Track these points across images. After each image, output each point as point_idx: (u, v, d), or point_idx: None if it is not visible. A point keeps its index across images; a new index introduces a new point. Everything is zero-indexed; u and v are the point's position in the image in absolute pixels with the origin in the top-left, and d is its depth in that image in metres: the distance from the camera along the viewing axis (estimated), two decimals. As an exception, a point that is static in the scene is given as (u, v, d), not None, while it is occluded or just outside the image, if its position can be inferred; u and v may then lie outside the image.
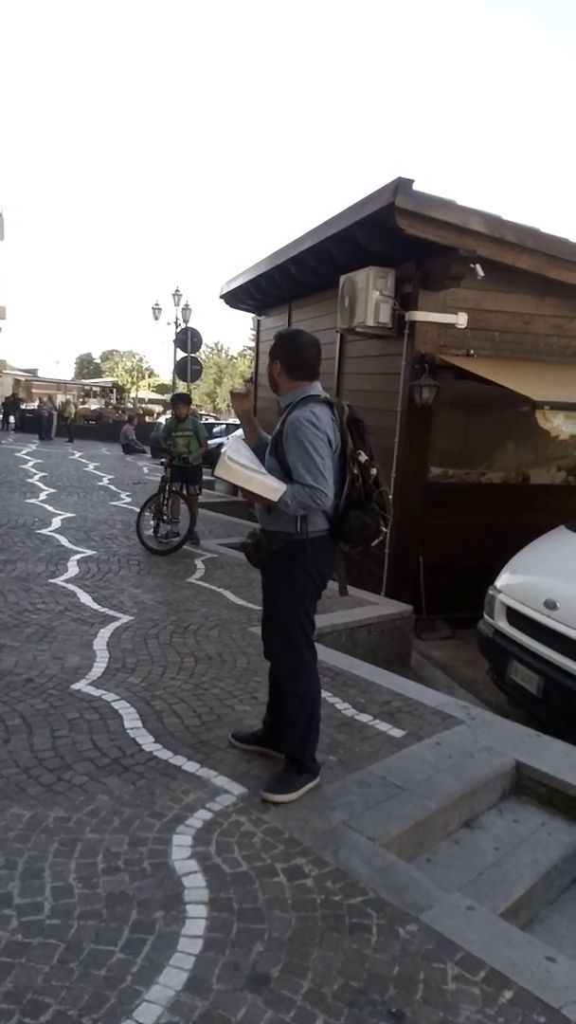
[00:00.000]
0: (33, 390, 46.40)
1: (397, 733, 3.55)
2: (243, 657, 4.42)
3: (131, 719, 3.47)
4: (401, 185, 6.10)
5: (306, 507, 2.74)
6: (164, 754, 3.17)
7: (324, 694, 3.90)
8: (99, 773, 2.97)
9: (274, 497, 2.72)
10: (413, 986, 2.00)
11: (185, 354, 18.89)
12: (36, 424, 25.03)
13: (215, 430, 21.74)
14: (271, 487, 2.73)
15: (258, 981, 1.97)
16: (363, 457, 2.83)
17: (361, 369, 8.56)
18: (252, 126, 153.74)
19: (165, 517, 7.56)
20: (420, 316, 6.95)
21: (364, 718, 3.70)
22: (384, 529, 2.89)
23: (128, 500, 10.54)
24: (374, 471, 2.86)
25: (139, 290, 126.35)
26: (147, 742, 3.26)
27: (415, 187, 6.15)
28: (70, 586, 5.73)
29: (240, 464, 2.76)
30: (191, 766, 3.08)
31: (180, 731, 3.40)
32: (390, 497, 2.98)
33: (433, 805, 2.94)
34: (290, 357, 2.93)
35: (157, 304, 26.73)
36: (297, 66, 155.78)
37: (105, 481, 12.84)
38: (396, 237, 6.51)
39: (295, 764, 2.95)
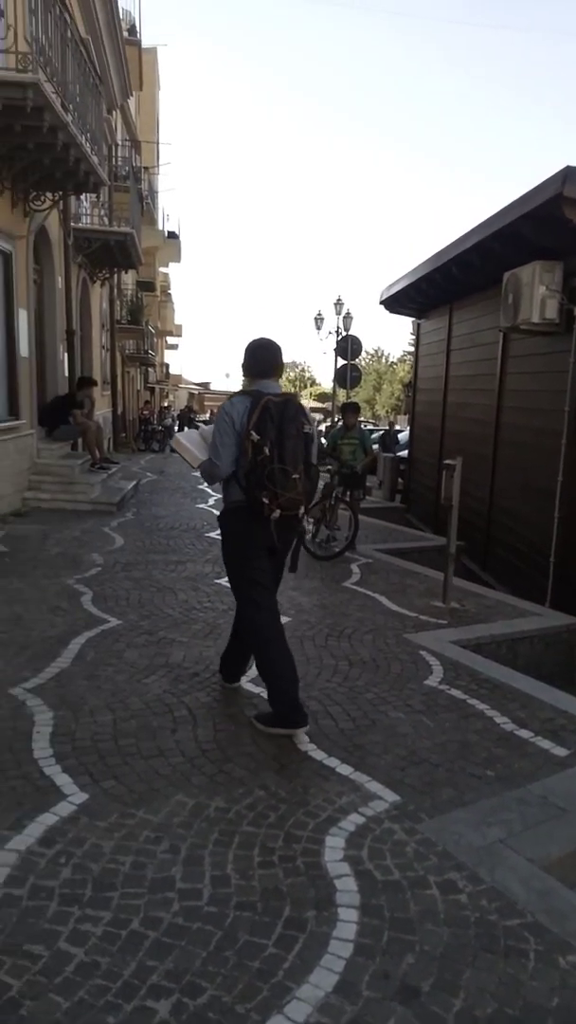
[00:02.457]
0: (205, 402, 48.77)
1: (560, 752, 3.37)
2: (397, 663, 4.38)
3: (287, 719, 3.55)
4: (569, 175, 5.80)
5: (209, 475, 3.49)
6: (318, 755, 3.21)
7: (481, 706, 3.81)
8: (257, 768, 3.07)
9: (194, 464, 3.61)
10: (574, 1022, 1.89)
11: (345, 362, 19.05)
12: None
13: (372, 436, 21.70)
14: (195, 456, 3.61)
15: (408, 993, 1.95)
16: (255, 437, 3.22)
17: (525, 368, 8.22)
18: (413, 133, 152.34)
19: (327, 523, 7.67)
20: (591, 311, 6.56)
21: (524, 734, 3.54)
22: (276, 506, 3.23)
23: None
24: (267, 450, 3.22)
25: (303, 302, 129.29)
26: (303, 742, 3.32)
27: (586, 176, 5.83)
28: (232, 587, 5.95)
29: (184, 440, 3.73)
30: (345, 769, 3.10)
31: (334, 733, 3.43)
32: (295, 477, 3.27)
33: (600, 831, 2.76)
34: (246, 360, 3.55)
35: (319, 314, 27.11)
36: (459, 64, 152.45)
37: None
38: (564, 229, 6.20)
39: (272, 709, 3.40)
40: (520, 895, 2.37)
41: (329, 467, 7.86)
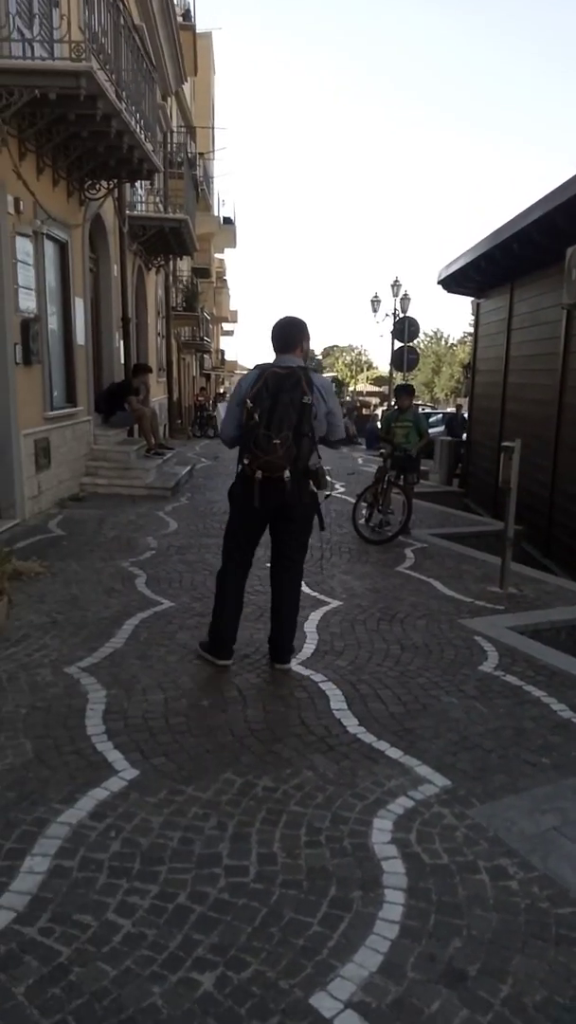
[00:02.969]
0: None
1: (620, 740, 3.26)
2: (451, 648, 4.31)
3: (337, 701, 3.54)
4: None
5: (223, 439, 3.91)
6: (368, 738, 3.19)
7: (537, 693, 3.73)
8: (305, 749, 3.07)
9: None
10: (628, 1014, 1.83)
11: (401, 344, 18.79)
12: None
13: (431, 419, 21.40)
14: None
15: (454, 977, 1.92)
16: (249, 404, 3.49)
17: (589, 347, 7.94)
18: (475, 110, 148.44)
19: (379, 507, 7.59)
20: None
21: (583, 721, 3.44)
22: (255, 467, 3.51)
23: (342, 490, 10.70)
24: (256, 416, 3.46)
25: (360, 285, 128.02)
26: (352, 724, 3.30)
27: None
28: (284, 571, 5.95)
29: (223, 411, 4.24)
30: (394, 752, 3.07)
31: (384, 717, 3.40)
32: (275, 442, 3.44)
33: None
34: (271, 337, 3.81)
35: (376, 296, 26.78)
36: (527, 37, 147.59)
37: (321, 471, 13.16)
38: (630, 200, 5.94)
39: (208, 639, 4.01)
40: (573, 883, 2.30)
41: (382, 450, 7.77)
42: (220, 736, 3.15)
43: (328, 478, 3.85)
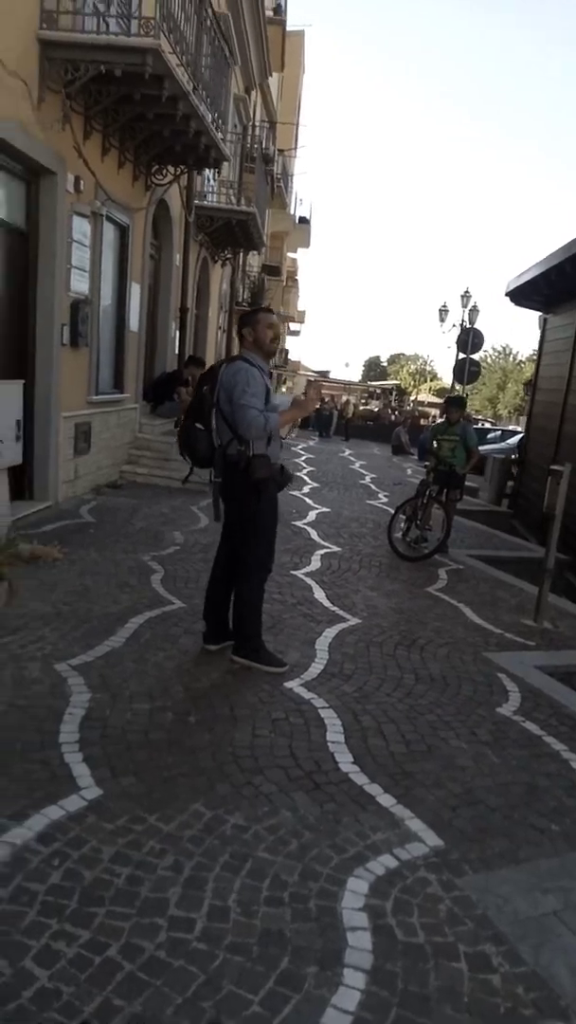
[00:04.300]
0: (323, 391, 48.64)
1: None
2: (469, 684, 3.98)
3: (334, 731, 3.25)
4: None
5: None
6: (360, 778, 2.90)
7: (557, 746, 3.42)
8: (289, 785, 2.79)
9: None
10: None
11: (464, 355, 18.28)
12: (318, 422, 26.28)
13: (488, 436, 20.82)
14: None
15: None
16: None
17: None
18: (555, 122, 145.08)
19: (418, 522, 7.25)
20: None
21: (605, 785, 3.08)
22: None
23: (384, 500, 10.38)
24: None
25: (430, 294, 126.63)
26: (345, 761, 3.02)
27: None
28: (308, 580, 5.69)
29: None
30: (386, 799, 2.77)
31: (383, 755, 3.10)
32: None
33: None
34: None
35: (444, 306, 26.21)
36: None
37: (367, 479, 12.85)
38: None
39: None
40: (567, 987, 1.98)
41: (426, 463, 7.42)
42: (200, 759, 2.90)
43: (271, 470, 3.69)
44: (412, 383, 67.26)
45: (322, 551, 6.74)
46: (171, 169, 9.41)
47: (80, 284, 7.50)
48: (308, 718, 3.35)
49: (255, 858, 2.35)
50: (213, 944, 1.98)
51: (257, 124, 19.89)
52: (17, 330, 6.70)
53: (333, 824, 2.58)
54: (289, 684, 3.69)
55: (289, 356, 48.36)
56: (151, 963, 1.89)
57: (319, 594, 5.34)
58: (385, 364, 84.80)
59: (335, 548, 6.93)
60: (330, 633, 4.51)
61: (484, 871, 2.43)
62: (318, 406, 30.52)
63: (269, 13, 20.18)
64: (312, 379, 3.81)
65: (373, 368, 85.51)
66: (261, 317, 3.86)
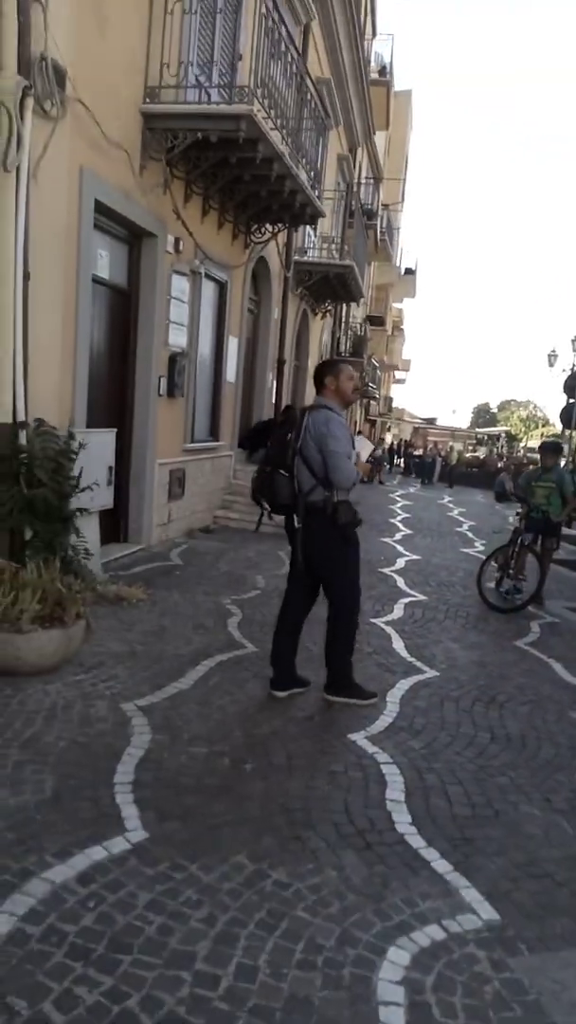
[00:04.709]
0: (429, 437, 48.39)
1: None
2: (550, 746, 3.72)
3: (395, 789, 3.11)
4: None
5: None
6: (416, 841, 2.74)
7: None
8: (338, 842, 2.68)
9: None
10: None
11: (573, 400, 17.65)
12: (420, 469, 26.13)
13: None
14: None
15: None
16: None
17: None
18: None
19: (511, 571, 6.97)
20: None
21: None
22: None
23: (480, 548, 10.06)
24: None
25: (539, 339, 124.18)
26: (403, 821, 2.87)
27: None
28: (388, 629, 5.56)
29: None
30: (441, 865, 2.61)
31: (444, 818, 2.93)
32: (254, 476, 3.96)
33: None
34: None
35: (553, 351, 25.61)
36: None
37: (464, 527, 12.52)
38: None
39: None
40: None
41: (519, 511, 7.15)
42: (249, 808, 2.84)
43: (354, 514, 3.74)
44: (523, 429, 65.51)
45: (407, 599, 6.58)
46: (269, 227, 9.76)
47: (178, 338, 7.84)
48: (368, 773, 3.22)
49: (292, 917, 2.26)
50: (236, 1005, 1.90)
51: (362, 181, 20.43)
52: (118, 382, 7.06)
53: (380, 888, 2.45)
54: (353, 736, 3.58)
55: (394, 404, 48.40)
56: (169, 1019, 1.84)
57: (398, 644, 5.19)
58: (495, 411, 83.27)
59: (421, 597, 6.75)
60: (404, 685, 4.36)
61: (541, 951, 2.23)
62: (420, 453, 30.40)
63: (375, 75, 20.88)
64: (354, 377, 3.80)
65: (482, 415, 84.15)
66: (344, 368, 3.95)
